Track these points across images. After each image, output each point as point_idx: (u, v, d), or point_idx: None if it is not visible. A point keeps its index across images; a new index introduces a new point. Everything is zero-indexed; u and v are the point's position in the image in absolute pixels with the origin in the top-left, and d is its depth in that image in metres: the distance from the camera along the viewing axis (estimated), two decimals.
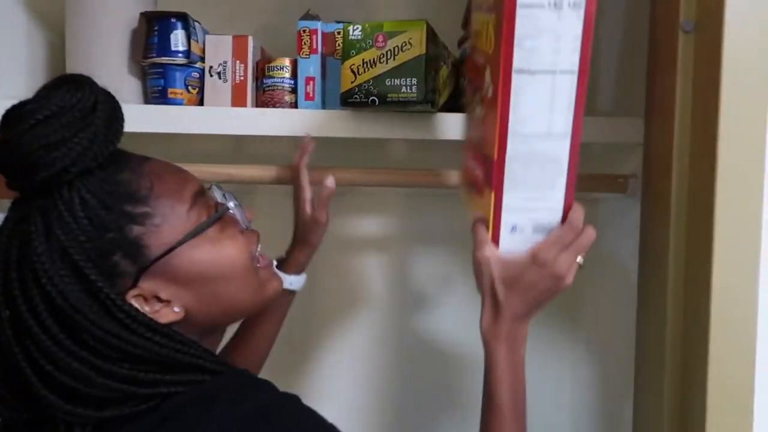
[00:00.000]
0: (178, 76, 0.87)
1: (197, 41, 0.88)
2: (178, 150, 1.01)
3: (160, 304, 0.57)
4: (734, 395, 0.60)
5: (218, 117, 0.86)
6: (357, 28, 0.81)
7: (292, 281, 0.82)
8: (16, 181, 0.55)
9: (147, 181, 0.57)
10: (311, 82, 0.89)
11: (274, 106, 0.89)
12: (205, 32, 0.91)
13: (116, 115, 0.57)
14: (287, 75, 0.90)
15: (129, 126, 0.83)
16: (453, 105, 0.95)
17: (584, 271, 1.12)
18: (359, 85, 0.81)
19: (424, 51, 0.79)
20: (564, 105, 0.51)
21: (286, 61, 0.90)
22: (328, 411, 0.57)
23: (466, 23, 0.98)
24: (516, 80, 0.50)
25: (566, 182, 0.56)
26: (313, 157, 0.85)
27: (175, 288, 0.57)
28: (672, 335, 0.67)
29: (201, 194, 0.61)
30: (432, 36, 0.82)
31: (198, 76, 0.89)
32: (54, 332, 0.52)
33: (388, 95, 0.80)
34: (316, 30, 0.89)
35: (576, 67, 0.50)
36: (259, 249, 0.66)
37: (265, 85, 0.90)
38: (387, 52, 0.80)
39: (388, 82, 0.80)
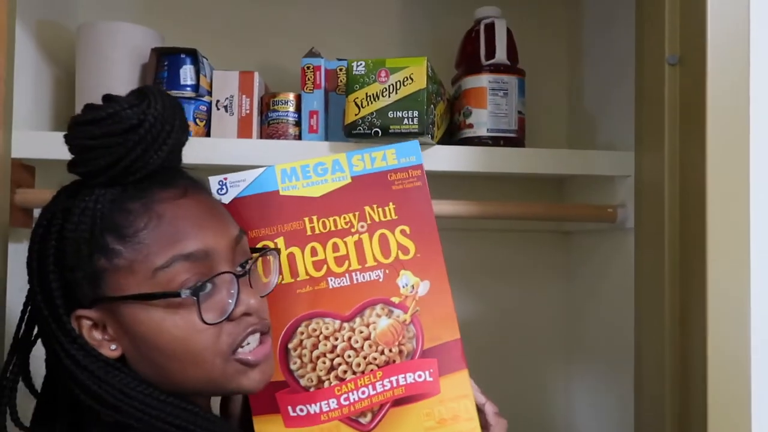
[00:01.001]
0: (187, 109, 0.90)
1: (205, 76, 0.92)
2: None
3: (105, 337, 0.55)
4: (733, 414, 0.62)
5: (225, 148, 0.88)
6: (361, 63, 0.85)
7: None
8: (73, 166, 0.56)
9: (146, 219, 0.54)
10: (315, 116, 0.93)
11: (278, 139, 0.93)
12: (213, 68, 0.95)
13: (162, 139, 0.55)
14: (291, 109, 0.93)
15: None
16: (447, 139, 1.00)
17: (576, 297, 1.14)
18: (363, 118, 0.85)
19: (424, 85, 0.84)
20: None
21: (291, 96, 0.94)
22: None
23: (459, 63, 1.03)
24: None
25: None
26: None
27: (120, 331, 0.55)
28: (670, 356, 0.69)
29: (192, 258, 0.54)
30: (431, 72, 0.87)
31: (205, 109, 0.93)
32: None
33: (391, 127, 0.84)
34: (320, 66, 0.93)
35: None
36: (250, 337, 0.56)
37: (269, 119, 0.94)
38: (389, 86, 0.84)
39: (390, 114, 0.84)
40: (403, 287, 0.61)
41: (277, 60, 1.09)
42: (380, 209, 0.62)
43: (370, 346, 0.61)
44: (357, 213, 0.62)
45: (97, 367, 0.54)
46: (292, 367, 0.62)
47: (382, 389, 0.60)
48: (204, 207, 0.57)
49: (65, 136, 0.56)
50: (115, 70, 0.91)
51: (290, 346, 0.62)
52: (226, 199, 0.65)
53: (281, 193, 0.63)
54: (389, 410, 0.60)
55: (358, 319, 0.61)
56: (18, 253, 0.88)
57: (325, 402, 0.60)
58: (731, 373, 0.62)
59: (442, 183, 1.12)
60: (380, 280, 0.61)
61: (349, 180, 0.63)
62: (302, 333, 0.62)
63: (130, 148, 0.53)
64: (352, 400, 0.60)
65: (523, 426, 1.15)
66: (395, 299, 0.60)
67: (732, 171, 0.60)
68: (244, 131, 0.92)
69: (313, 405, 0.60)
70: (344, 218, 0.62)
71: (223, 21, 1.11)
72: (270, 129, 0.94)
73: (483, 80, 0.96)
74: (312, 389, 0.61)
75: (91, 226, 0.53)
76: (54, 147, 0.86)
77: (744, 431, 0.62)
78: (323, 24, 1.13)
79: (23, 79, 0.91)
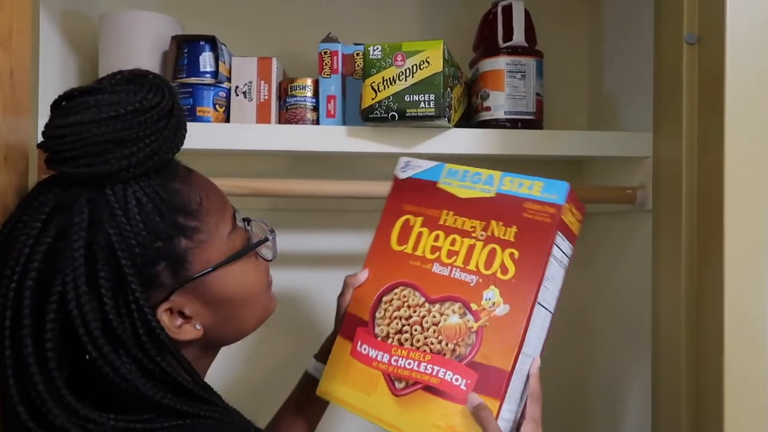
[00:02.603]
0: (206, 95, 0.92)
1: (224, 63, 0.93)
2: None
3: (182, 320, 0.57)
4: (750, 399, 0.62)
5: (244, 133, 0.90)
6: (377, 48, 0.86)
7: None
8: (65, 165, 0.51)
9: (197, 194, 0.57)
10: (332, 101, 0.93)
11: (296, 124, 0.94)
12: (231, 54, 0.96)
13: (184, 123, 0.57)
14: (309, 94, 0.94)
15: None
16: (465, 123, 1.00)
17: (599, 282, 1.14)
18: (380, 102, 0.85)
19: (441, 68, 0.84)
20: (541, 334, 0.66)
21: (308, 81, 0.95)
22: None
23: (476, 46, 1.03)
24: (536, 310, 0.62)
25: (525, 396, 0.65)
26: (333, 172, 0.88)
27: (200, 306, 0.57)
28: (687, 342, 0.69)
29: (235, 217, 0.61)
30: (447, 55, 0.87)
31: (225, 95, 0.94)
32: (50, 333, 0.50)
33: (408, 110, 0.85)
34: (337, 51, 0.94)
35: (553, 308, 0.67)
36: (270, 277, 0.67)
37: (287, 104, 0.95)
38: (406, 70, 0.85)
39: (407, 98, 0.84)
40: (485, 300, 0.64)
41: (295, 46, 1.10)
42: (503, 227, 0.66)
43: (434, 332, 0.66)
44: (483, 223, 0.67)
45: (179, 359, 0.54)
46: (377, 314, 0.70)
47: (422, 370, 0.65)
48: (204, 176, 0.61)
49: (77, 132, 0.51)
50: (137, 59, 0.93)
51: (384, 298, 0.70)
52: (403, 176, 0.74)
53: (438, 185, 0.72)
54: (418, 390, 0.65)
55: (437, 306, 0.67)
56: None
57: (381, 353, 0.68)
58: (748, 355, 0.61)
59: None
60: (471, 284, 0.65)
61: (493, 194, 0.68)
62: (396, 294, 0.70)
63: (166, 132, 0.54)
64: (397, 364, 0.66)
65: None
66: (474, 306, 0.64)
67: (750, 151, 0.59)
68: (262, 117, 0.94)
69: (372, 350, 0.68)
70: (471, 222, 0.68)
71: (242, 8, 1.12)
72: (288, 114, 0.95)
73: (500, 63, 0.96)
74: (379, 339, 0.69)
75: (159, 214, 0.53)
76: None
77: (761, 412, 0.62)
78: (341, 9, 1.13)
79: (50, 68, 0.93)
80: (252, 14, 1.12)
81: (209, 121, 0.93)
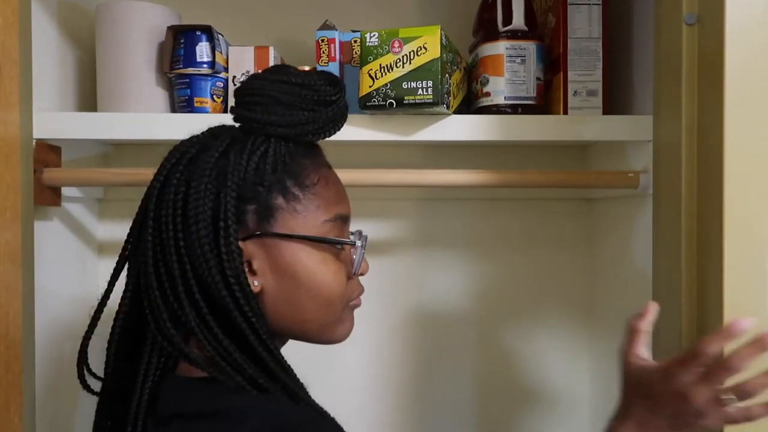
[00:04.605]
0: (204, 85, 0.92)
1: (221, 52, 0.93)
2: None
3: (248, 270, 0.60)
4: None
5: None
6: (374, 35, 0.85)
7: None
8: (242, 109, 0.62)
9: (317, 177, 0.62)
10: None
11: None
12: (228, 44, 0.96)
13: (339, 121, 0.64)
14: None
15: (158, 134, 0.88)
16: (465, 109, 0.99)
17: (599, 265, 1.13)
18: (377, 89, 0.85)
19: (438, 54, 0.83)
20: None
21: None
22: (340, 413, 0.60)
23: (476, 30, 1.01)
24: None
25: None
26: (336, 161, 0.87)
27: (267, 267, 0.60)
28: (687, 324, 0.69)
29: (344, 220, 0.65)
30: (445, 41, 0.86)
31: (222, 85, 0.93)
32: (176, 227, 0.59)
33: (405, 98, 0.84)
34: (334, 39, 0.93)
35: None
36: (357, 299, 0.68)
37: None
38: (403, 56, 0.84)
39: (404, 85, 0.84)
40: None
41: (293, 33, 1.09)
42: None
43: None
44: None
45: (252, 300, 0.59)
46: None
47: None
48: (340, 180, 0.67)
49: (249, 83, 0.62)
50: (133, 49, 0.92)
51: None
52: None
53: None
54: None
55: None
56: (44, 230, 0.91)
57: None
58: (748, 338, 0.61)
59: (462, 153, 1.11)
60: None
61: None
62: None
63: (321, 116, 0.62)
64: None
65: (543, 395, 1.16)
66: None
67: (750, 134, 0.58)
68: None
69: None
70: None
71: None
72: None
73: (500, 47, 0.95)
74: None
75: (274, 166, 0.60)
76: (79, 127, 0.89)
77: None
78: None
79: (48, 60, 0.93)
80: (250, 2, 1.11)
81: (207, 112, 0.92)
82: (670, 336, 0.71)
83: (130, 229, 0.64)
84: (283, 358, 0.61)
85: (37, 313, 0.84)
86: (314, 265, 0.61)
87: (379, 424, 1.15)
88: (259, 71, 0.65)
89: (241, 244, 0.59)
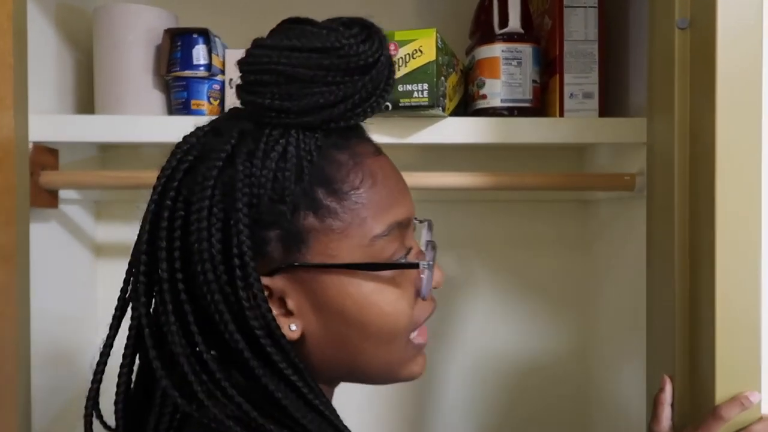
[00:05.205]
0: (201, 88, 0.92)
1: (218, 55, 0.93)
2: None
3: (281, 311, 0.47)
4: (740, 379, 0.61)
5: None
6: None
7: None
8: (239, 88, 0.48)
9: (359, 177, 0.46)
10: None
11: None
12: (225, 46, 0.96)
13: (387, 86, 0.47)
14: None
15: (155, 136, 0.89)
16: (462, 111, 0.99)
17: (596, 266, 1.13)
18: None
19: (434, 57, 0.83)
20: None
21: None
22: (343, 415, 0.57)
23: (472, 33, 1.02)
24: None
25: None
26: None
27: (307, 305, 0.46)
28: (680, 323, 0.69)
29: (404, 226, 0.50)
30: (441, 44, 0.86)
31: (219, 88, 0.94)
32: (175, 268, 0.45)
33: (401, 100, 0.84)
34: None
35: None
36: (422, 336, 0.53)
37: None
38: (399, 59, 0.84)
39: (400, 88, 0.84)
40: None
41: None
42: None
43: None
44: None
45: (289, 350, 0.45)
46: None
47: None
48: (395, 168, 0.50)
49: (251, 54, 0.46)
50: (131, 52, 0.93)
51: None
52: None
53: None
54: None
55: None
56: (41, 232, 0.91)
57: None
58: (740, 340, 0.61)
59: (458, 155, 1.12)
60: None
61: None
62: None
63: (357, 89, 0.45)
64: None
65: (539, 393, 1.16)
66: None
67: (741, 136, 0.59)
68: None
69: None
70: None
71: None
72: None
73: (496, 50, 0.95)
74: None
75: (298, 172, 0.44)
76: (75, 129, 0.89)
77: (753, 384, 0.61)
78: None
79: (46, 63, 0.93)
80: (247, 5, 1.11)
81: (204, 114, 0.93)
82: (664, 336, 0.71)
83: (129, 264, 0.49)
84: (336, 413, 0.48)
85: (34, 316, 0.85)
86: (367, 297, 0.46)
87: (378, 425, 1.15)
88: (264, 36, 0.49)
89: (266, 281, 0.45)
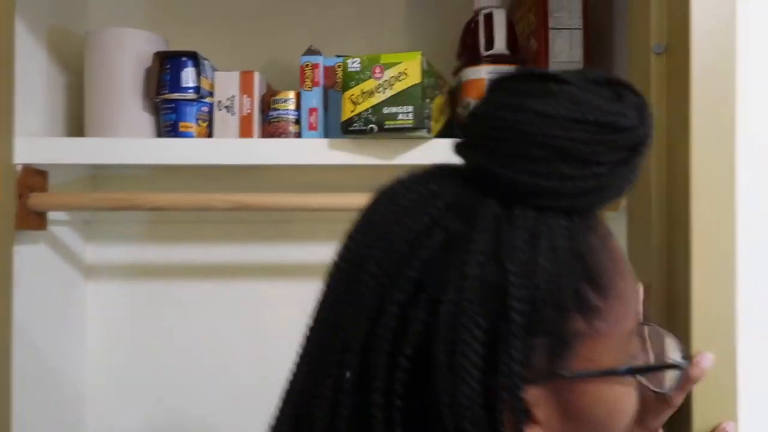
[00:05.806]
0: (189, 110, 0.93)
1: (207, 77, 0.94)
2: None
3: (527, 423, 0.40)
4: (717, 389, 0.62)
5: (227, 148, 0.90)
6: (355, 61, 0.86)
7: None
8: (481, 156, 0.40)
9: (612, 266, 0.41)
10: (314, 113, 0.94)
11: (279, 137, 0.94)
12: (214, 69, 0.97)
13: (636, 172, 0.40)
14: (291, 107, 0.95)
15: (144, 158, 0.90)
16: (450, 132, 1.00)
17: None
18: (359, 114, 0.86)
19: (419, 80, 0.84)
20: None
21: (291, 94, 0.95)
22: None
23: (459, 55, 1.03)
24: None
25: None
26: (318, 184, 0.89)
27: (555, 415, 0.40)
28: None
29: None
30: (426, 66, 0.87)
31: (207, 110, 0.95)
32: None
33: (386, 122, 0.85)
34: (318, 64, 0.94)
35: None
36: None
37: (270, 117, 0.95)
38: (384, 82, 0.85)
39: (385, 110, 0.85)
40: None
41: (280, 58, 1.10)
42: None
43: None
44: None
45: None
46: None
47: None
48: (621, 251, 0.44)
49: (512, 121, 0.38)
50: (121, 75, 0.94)
51: None
52: None
53: None
54: None
55: None
56: (30, 254, 0.92)
57: None
58: (716, 347, 0.61)
59: None
60: None
61: None
62: None
63: (627, 171, 0.39)
64: None
65: None
66: None
67: (714, 156, 0.60)
68: (245, 130, 0.94)
69: None
70: None
71: (228, 22, 1.13)
72: (271, 127, 0.95)
73: (482, 71, 0.96)
74: None
75: (568, 270, 0.38)
76: (64, 152, 0.90)
77: (729, 407, 0.62)
78: (325, 21, 1.14)
79: (36, 85, 0.94)
80: (237, 28, 1.13)
81: (192, 136, 0.93)
82: None
83: (303, 351, 0.42)
84: None
85: (21, 338, 0.85)
86: (617, 403, 0.41)
87: None
88: (516, 84, 0.40)
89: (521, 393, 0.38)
